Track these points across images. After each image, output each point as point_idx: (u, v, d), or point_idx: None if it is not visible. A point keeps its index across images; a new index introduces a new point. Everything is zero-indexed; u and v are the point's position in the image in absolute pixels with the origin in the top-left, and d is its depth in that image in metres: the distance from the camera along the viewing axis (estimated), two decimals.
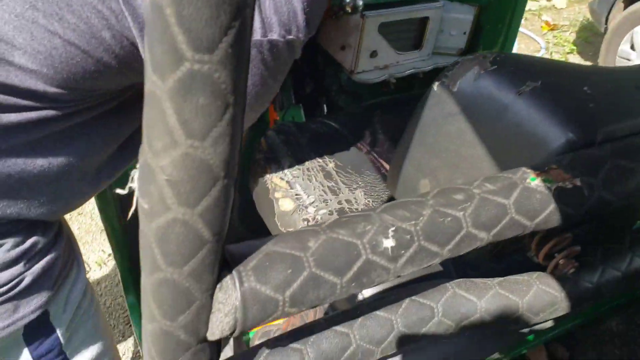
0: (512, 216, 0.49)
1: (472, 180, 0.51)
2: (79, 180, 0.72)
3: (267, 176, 1.02)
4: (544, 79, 0.57)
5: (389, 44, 1.62)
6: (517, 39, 4.03)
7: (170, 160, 0.29)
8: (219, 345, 0.43)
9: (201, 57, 0.25)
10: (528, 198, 0.50)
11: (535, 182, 0.51)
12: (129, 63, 0.57)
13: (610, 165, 0.52)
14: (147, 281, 0.35)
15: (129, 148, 0.78)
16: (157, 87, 0.27)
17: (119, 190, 0.42)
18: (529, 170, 0.52)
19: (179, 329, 0.37)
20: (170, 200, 0.30)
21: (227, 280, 0.38)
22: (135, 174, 0.31)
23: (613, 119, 0.56)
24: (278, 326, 1.41)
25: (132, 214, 0.42)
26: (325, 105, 1.87)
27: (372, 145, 1.08)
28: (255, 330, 1.46)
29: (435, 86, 0.63)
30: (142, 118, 0.78)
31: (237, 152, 0.31)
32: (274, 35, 0.58)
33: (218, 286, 0.37)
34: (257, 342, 1.25)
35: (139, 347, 1.69)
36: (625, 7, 3.31)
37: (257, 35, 0.57)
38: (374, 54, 1.61)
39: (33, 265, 0.74)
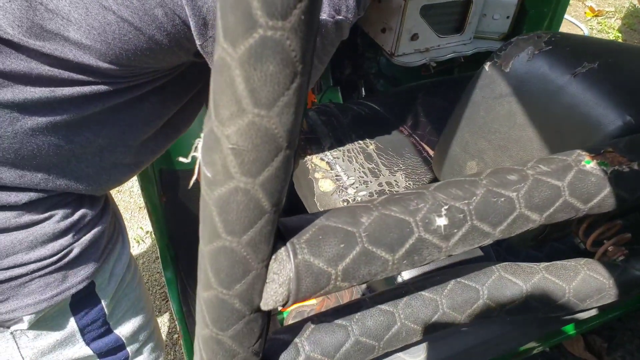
0: (565, 198, 0.48)
1: (525, 161, 0.50)
2: (123, 154, 0.73)
3: (308, 157, 1.02)
4: (600, 60, 0.56)
5: (431, 27, 1.60)
6: (560, 25, 3.92)
7: (236, 129, 0.29)
8: (269, 315, 0.44)
9: (275, 24, 0.25)
10: (582, 181, 0.49)
11: (590, 164, 0.50)
12: (179, 41, 0.58)
13: None
14: (205, 249, 0.36)
15: (172, 126, 0.79)
16: (227, 54, 0.27)
17: (181, 159, 0.42)
18: (584, 153, 0.50)
19: (235, 298, 0.37)
20: (234, 169, 0.31)
21: (281, 251, 0.38)
22: (198, 143, 0.31)
23: None
24: (312, 307, 1.42)
25: (194, 183, 0.43)
26: (363, 89, 1.86)
27: (413, 128, 1.07)
28: (289, 309, 1.47)
29: (487, 66, 0.61)
30: (187, 96, 0.79)
31: (300, 122, 0.31)
32: (323, 15, 0.58)
33: (273, 257, 0.38)
34: (290, 322, 1.26)
35: (175, 322, 1.73)
36: None
37: None
38: (415, 37, 1.59)
39: (81, 237, 0.76)
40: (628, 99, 0.53)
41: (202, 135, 0.33)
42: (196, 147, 0.34)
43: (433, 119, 1.09)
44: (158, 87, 0.68)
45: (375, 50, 1.71)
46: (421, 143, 1.04)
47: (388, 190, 0.91)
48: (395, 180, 0.93)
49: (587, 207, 0.50)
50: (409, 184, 0.93)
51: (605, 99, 0.54)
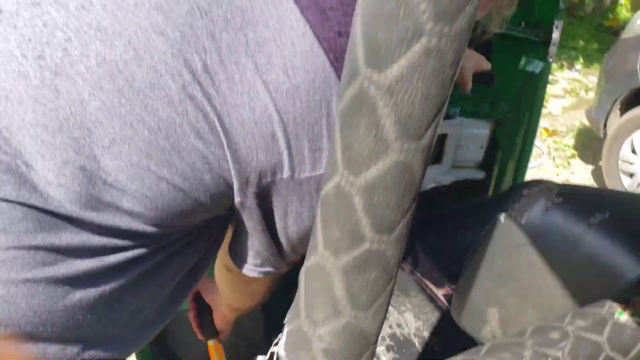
0: (607, 353, 0.49)
1: (561, 316, 0.51)
2: (150, 311, 0.71)
3: None
4: (610, 210, 0.59)
5: None
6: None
7: (331, 330, 0.29)
8: None
9: (381, 238, 0.26)
10: (620, 334, 0.50)
11: (623, 316, 0.51)
12: (219, 200, 0.59)
13: None
14: None
15: (192, 275, 0.79)
16: (328, 261, 0.28)
17: (260, 358, 0.41)
18: (615, 304, 0.52)
19: None
20: None
21: None
22: (280, 339, 0.31)
23: None
24: None
25: None
26: None
27: (414, 265, 1.09)
28: None
29: (502, 217, 0.65)
30: (210, 247, 0.78)
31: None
32: None
33: None
34: None
35: None
36: (622, 114, 3.45)
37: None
38: None
39: None
40: None
41: (284, 331, 0.33)
42: (276, 343, 0.34)
43: (431, 254, 1.11)
44: (186, 243, 0.68)
45: None
46: (424, 280, 1.05)
47: (399, 332, 0.90)
48: (404, 321, 0.92)
49: (627, 358, 0.50)
50: (419, 324, 0.93)
51: (622, 249, 0.56)
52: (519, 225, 0.63)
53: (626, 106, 3.45)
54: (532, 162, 3.98)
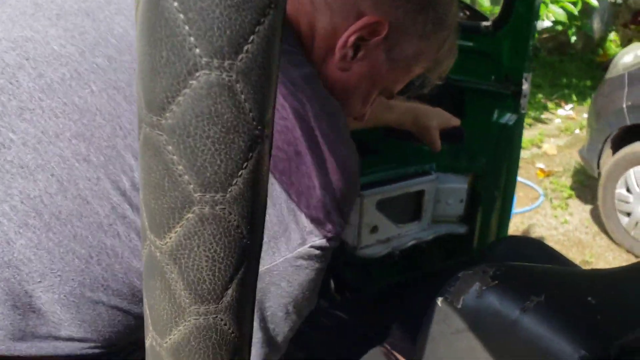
0: None
1: None
2: None
3: None
4: (547, 293, 0.57)
5: (389, 219, 1.66)
6: (516, 187, 4.14)
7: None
8: None
9: (206, 309, 0.25)
10: None
11: None
12: None
13: None
14: None
15: None
16: (157, 343, 0.26)
17: None
18: None
19: None
20: None
21: None
22: None
23: (624, 330, 0.55)
24: None
25: None
26: (332, 281, 1.86)
27: (384, 335, 1.06)
28: None
29: (439, 301, 0.63)
30: None
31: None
32: (316, 240, 0.57)
33: None
34: None
35: None
36: (614, 152, 3.44)
37: (300, 246, 0.56)
38: (374, 229, 1.64)
39: None
40: (579, 332, 0.54)
41: None
42: None
43: (401, 323, 1.09)
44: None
45: (341, 242, 1.74)
46: (393, 352, 1.01)
47: None
48: None
49: None
50: None
51: (557, 334, 0.54)
52: (455, 309, 0.61)
53: (617, 145, 3.44)
54: (529, 205, 3.96)
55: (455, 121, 1.48)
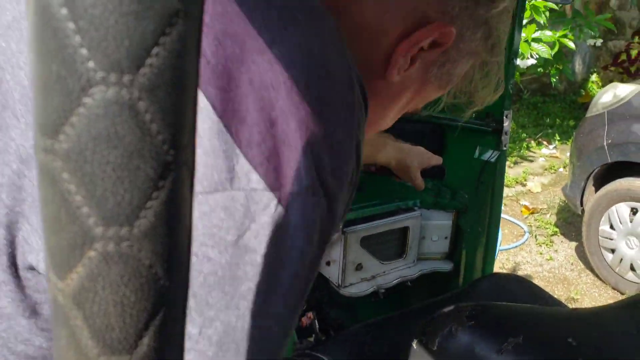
0: None
1: None
2: None
3: None
4: (525, 334, 0.54)
5: (373, 256, 1.63)
6: (501, 225, 4.13)
7: None
8: None
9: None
10: None
11: None
12: None
13: None
14: None
15: None
16: None
17: None
18: None
19: None
20: None
21: None
22: None
23: None
24: None
25: None
26: (316, 321, 1.82)
27: None
28: None
29: (415, 344, 0.59)
30: None
31: None
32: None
33: None
34: None
35: None
36: (597, 190, 3.46)
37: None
38: (359, 267, 1.61)
39: None
40: None
41: None
42: None
43: None
44: None
45: (324, 280, 1.71)
46: None
47: None
48: None
49: None
50: None
51: None
52: (430, 352, 0.57)
53: (600, 182, 3.46)
54: (514, 242, 3.94)
55: (437, 160, 1.48)
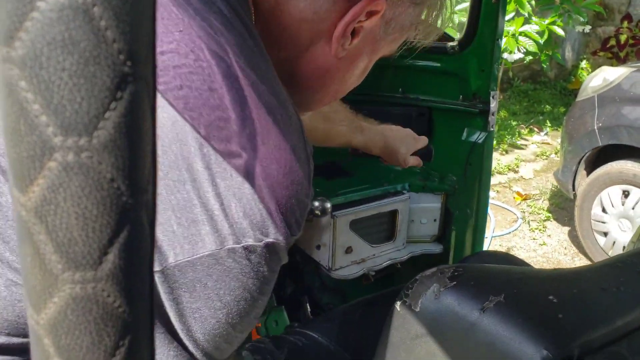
0: None
1: None
2: None
3: None
4: (506, 292, 0.55)
5: (363, 239, 1.64)
6: (494, 211, 4.15)
7: None
8: None
9: (82, 276, 0.22)
10: None
11: None
12: None
13: None
14: None
15: None
16: (35, 320, 0.23)
17: None
18: None
19: None
20: None
21: None
22: None
23: (586, 328, 0.53)
24: None
25: None
26: (308, 305, 1.83)
27: (354, 353, 1.02)
28: None
29: (398, 305, 0.60)
30: None
31: None
32: (249, 241, 0.52)
33: None
34: None
35: None
36: (588, 174, 3.48)
37: (229, 242, 0.50)
38: (349, 250, 1.62)
39: None
40: (540, 331, 0.52)
41: None
42: None
43: (375, 339, 1.05)
44: None
45: (315, 264, 1.72)
46: None
47: None
48: None
49: None
50: None
51: (518, 334, 0.52)
52: (413, 313, 0.58)
53: (591, 166, 3.48)
54: (508, 228, 3.96)
55: (424, 142, 1.48)
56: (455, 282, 0.57)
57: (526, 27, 5.08)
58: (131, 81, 0.19)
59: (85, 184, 0.19)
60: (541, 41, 5.25)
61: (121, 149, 0.20)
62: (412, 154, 1.45)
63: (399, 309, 0.60)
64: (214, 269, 0.50)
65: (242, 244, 0.50)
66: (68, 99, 0.18)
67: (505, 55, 5.05)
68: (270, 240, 0.53)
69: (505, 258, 1.15)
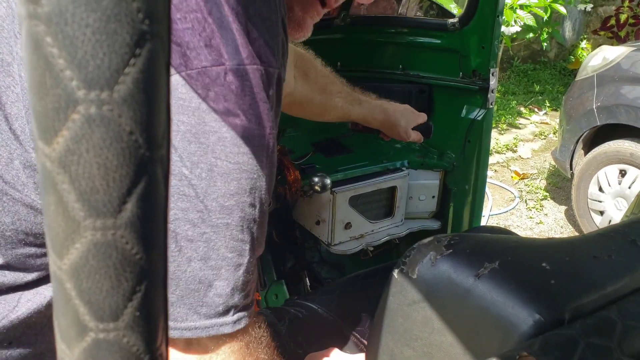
0: None
1: None
2: None
3: None
4: (501, 259, 0.57)
5: (362, 215, 1.66)
6: (491, 190, 4.17)
7: None
8: None
9: (106, 326, 0.24)
10: None
11: None
12: None
13: (584, 345, 0.50)
14: None
15: None
16: (65, 355, 0.25)
17: None
18: None
19: None
20: None
21: None
22: None
23: (577, 293, 0.55)
24: None
25: None
26: (307, 279, 1.85)
27: (353, 324, 1.04)
28: None
29: (395, 273, 0.62)
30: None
31: None
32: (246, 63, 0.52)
33: None
34: None
35: None
36: (586, 153, 3.49)
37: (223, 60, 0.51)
38: (348, 226, 1.64)
39: None
40: (533, 296, 0.54)
41: None
42: None
43: (372, 311, 1.07)
44: None
45: (315, 240, 1.74)
46: (362, 340, 1.00)
47: None
48: None
49: None
50: None
51: (512, 299, 0.54)
52: (410, 280, 0.60)
53: (589, 145, 3.49)
54: (505, 207, 3.99)
55: (423, 118, 1.49)
56: (451, 250, 0.59)
57: (525, 0, 5.05)
58: (149, 39, 0.20)
59: (106, 136, 0.21)
60: (545, 18, 5.22)
61: (139, 103, 0.21)
62: (413, 130, 1.46)
63: (396, 277, 0.62)
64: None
65: (226, 65, 0.54)
66: (91, 54, 0.19)
67: (502, 28, 5.02)
68: (262, 67, 0.55)
69: (504, 232, 1.17)
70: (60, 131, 0.20)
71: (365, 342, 1.01)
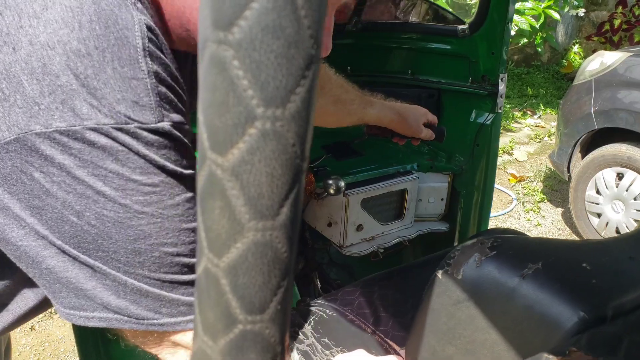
0: None
1: None
2: None
3: None
4: (543, 260, 0.60)
5: (373, 217, 1.68)
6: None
7: None
8: None
9: (253, 318, 0.26)
10: None
11: None
12: None
13: (628, 342, 0.53)
14: None
15: None
16: (208, 346, 0.27)
17: None
18: (550, 356, 0.51)
19: None
20: None
21: None
22: None
23: (618, 292, 0.58)
24: None
25: None
26: (318, 280, 1.88)
27: (375, 324, 1.07)
28: None
29: (440, 274, 0.64)
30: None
31: None
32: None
33: None
34: None
35: None
36: (584, 156, 3.54)
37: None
38: (360, 228, 1.66)
39: None
40: (577, 295, 0.57)
41: None
42: None
43: (392, 312, 1.10)
44: None
45: (324, 241, 1.76)
46: (387, 340, 1.03)
47: None
48: None
49: None
50: None
51: (556, 298, 0.57)
52: (455, 280, 0.62)
53: (586, 148, 3.54)
54: (503, 209, 4.03)
55: (432, 117, 1.52)
56: (495, 252, 0.62)
57: (519, 4, 5.12)
58: (315, 61, 0.23)
59: (276, 148, 0.23)
60: (537, 25, 5.29)
61: (302, 119, 0.23)
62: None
63: (440, 277, 0.64)
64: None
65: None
66: (272, 76, 0.22)
67: None
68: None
69: (517, 235, 1.20)
70: (236, 144, 0.23)
71: (390, 342, 1.04)
